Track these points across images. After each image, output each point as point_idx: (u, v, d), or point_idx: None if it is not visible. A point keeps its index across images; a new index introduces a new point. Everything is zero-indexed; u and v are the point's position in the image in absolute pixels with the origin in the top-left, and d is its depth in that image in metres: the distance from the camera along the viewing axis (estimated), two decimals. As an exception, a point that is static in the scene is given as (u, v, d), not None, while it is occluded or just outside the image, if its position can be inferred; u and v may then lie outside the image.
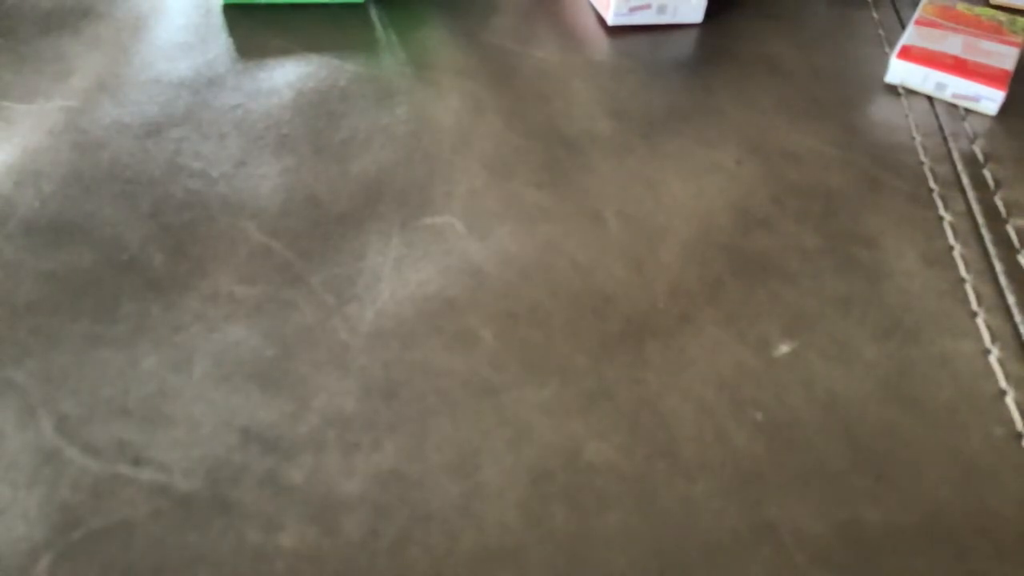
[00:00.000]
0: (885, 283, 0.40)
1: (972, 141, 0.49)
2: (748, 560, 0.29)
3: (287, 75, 0.48)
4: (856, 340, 0.37)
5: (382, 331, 0.35)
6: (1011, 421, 0.34)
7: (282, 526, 0.29)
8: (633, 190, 0.43)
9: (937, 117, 0.50)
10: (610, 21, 0.55)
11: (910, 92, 0.52)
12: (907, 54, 0.52)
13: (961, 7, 0.57)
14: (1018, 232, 0.43)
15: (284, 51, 0.50)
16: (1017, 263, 0.41)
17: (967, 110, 0.51)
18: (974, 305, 0.39)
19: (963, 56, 0.52)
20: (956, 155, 0.48)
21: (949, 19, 0.55)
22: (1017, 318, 0.38)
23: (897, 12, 0.61)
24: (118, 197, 0.40)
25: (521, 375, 0.34)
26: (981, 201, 0.44)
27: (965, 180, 0.46)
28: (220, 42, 0.51)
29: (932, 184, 0.45)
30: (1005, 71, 0.51)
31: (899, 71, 0.52)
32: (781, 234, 0.42)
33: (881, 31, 0.59)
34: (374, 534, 0.29)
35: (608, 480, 0.31)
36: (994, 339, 0.37)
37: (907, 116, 0.50)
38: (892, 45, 0.57)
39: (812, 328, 0.37)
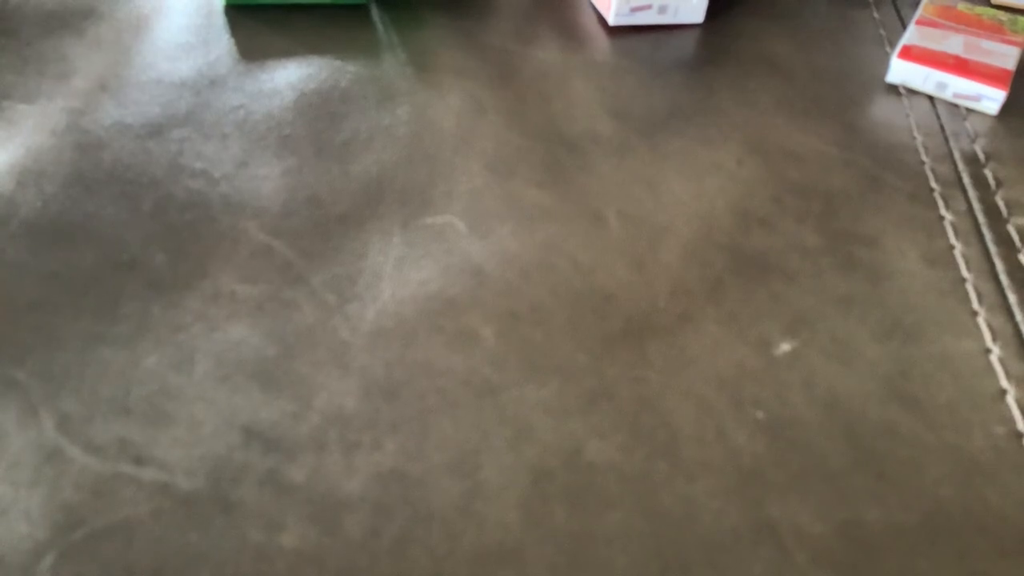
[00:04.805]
0: (886, 282, 0.40)
1: (973, 140, 0.49)
2: (749, 559, 0.29)
3: (289, 76, 0.49)
4: (857, 339, 0.37)
5: (383, 330, 0.35)
6: (1012, 420, 0.34)
7: (283, 526, 0.29)
8: (634, 190, 0.43)
9: (938, 117, 0.50)
10: (611, 21, 0.55)
11: (911, 92, 0.52)
12: (908, 54, 0.52)
13: (962, 7, 0.57)
14: (1019, 231, 0.43)
15: (286, 52, 0.51)
16: (1018, 262, 0.41)
17: (968, 110, 0.51)
18: (975, 304, 0.39)
19: (964, 56, 0.52)
20: (957, 154, 0.48)
21: (950, 19, 0.55)
22: (1018, 317, 0.38)
23: (898, 12, 0.61)
24: (120, 197, 0.40)
25: (522, 374, 0.34)
26: (982, 200, 0.44)
27: (966, 179, 0.46)
28: (222, 43, 0.51)
29: (933, 184, 0.45)
30: (1006, 71, 0.51)
31: (900, 71, 0.52)
32: (782, 234, 0.42)
33: (882, 31, 0.59)
34: (375, 534, 0.29)
35: (609, 479, 0.31)
36: (995, 338, 0.37)
37: (908, 116, 0.50)
38: (893, 45, 0.57)
39: (813, 327, 0.37)
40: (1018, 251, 0.42)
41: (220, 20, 0.53)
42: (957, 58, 0.51)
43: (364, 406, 0.33)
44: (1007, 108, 0.51)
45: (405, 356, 0.34)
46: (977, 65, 0.51)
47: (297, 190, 0.41)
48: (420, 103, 0.48)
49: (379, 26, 0.54)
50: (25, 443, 0.31)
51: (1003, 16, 0.56)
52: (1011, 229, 0.43)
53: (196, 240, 0.38)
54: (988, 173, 0.46)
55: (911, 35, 0.54)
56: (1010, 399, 0.35)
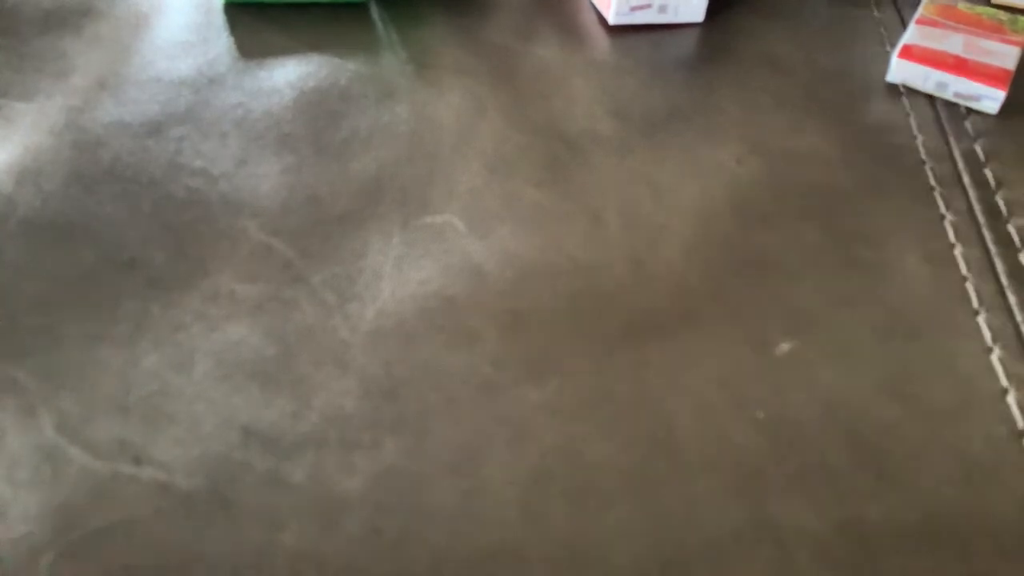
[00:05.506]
0: (886, 282, 0.40)
1: (973, 140, 0.49)
2: (749, 558, 0.29)
3: (288, 74, 0.48)
4: (857, 339, 0.37)
5: (383, 330, 0.35)
6: (1012, 420, 0.34)
7: (283, 525, 0.29)
8: (634, 189, 0.43)
9: (938, 116, 0.50)
10: (611, 20, 0.55)
11: (911, 91, 0.52)
12: (908, 53, 0.52)
13: (962, 6, 0.57)
14: (1019, 231, 0.43)
15: (285, 50, 0.50)
16: (1018, 262, 0.41)
17: (968, 109, 0.51)
18: (975, 304, 0.39)
19: (964, 55, 0.52)
20: (957, 154, 0.48)
21: (950, 18, 0.55)
22: (1018, 317, 0.38)
23: (898, 11, 0.61)
24: (119, 196, 0.40)
25: (522, 374, 0.34)
26: (982, 200, 0.44)
27: (966, 179, 0.46)
28: (221, 41, 0.51)
29: (933, 183, 0.45)
30: (1006, 70, 0.51)
31: (900, 70, 0.52)
32: (782, 233, 0.42)
33: (882, 30, 0.59)
34: (375, 532, 0.29)
35: (609, 479, 0.31)
36: (995, 338, 0.37)
37: (908, 115, 0.50)
38: (893, 44, 0.57)
39: (813, 327, 0.37)
40: (1018, 251, 0.42)
41: (219, 18, 0.53)
42: (957, 58, 0.51)
43: (364, 406, 0.33)
44: (1007, 108, 0.51)
45: (405, 356, 0.34)
46: (977, 65, 0.51)
47: (296, 189, 0.41)
48: (420, 101, 0.48)
49: (379, 24, 0.54)
50: (24, 443, 0.30)
51: (1003, 16, 0.56)
52: (1011, 229, 0.43)
53: (195, 239, 0.38)
54: (988, 173, 0.46)
55: (911, 34, 0.54)
56: (1010, 399, 0.35)
